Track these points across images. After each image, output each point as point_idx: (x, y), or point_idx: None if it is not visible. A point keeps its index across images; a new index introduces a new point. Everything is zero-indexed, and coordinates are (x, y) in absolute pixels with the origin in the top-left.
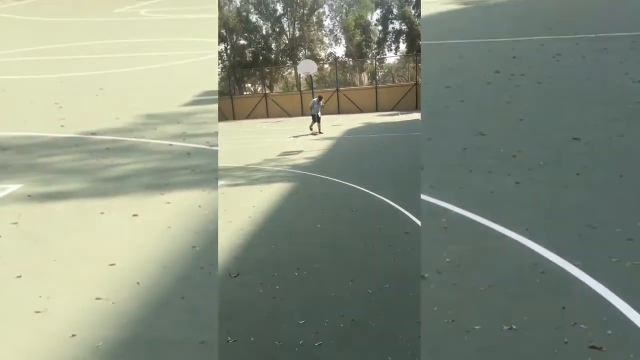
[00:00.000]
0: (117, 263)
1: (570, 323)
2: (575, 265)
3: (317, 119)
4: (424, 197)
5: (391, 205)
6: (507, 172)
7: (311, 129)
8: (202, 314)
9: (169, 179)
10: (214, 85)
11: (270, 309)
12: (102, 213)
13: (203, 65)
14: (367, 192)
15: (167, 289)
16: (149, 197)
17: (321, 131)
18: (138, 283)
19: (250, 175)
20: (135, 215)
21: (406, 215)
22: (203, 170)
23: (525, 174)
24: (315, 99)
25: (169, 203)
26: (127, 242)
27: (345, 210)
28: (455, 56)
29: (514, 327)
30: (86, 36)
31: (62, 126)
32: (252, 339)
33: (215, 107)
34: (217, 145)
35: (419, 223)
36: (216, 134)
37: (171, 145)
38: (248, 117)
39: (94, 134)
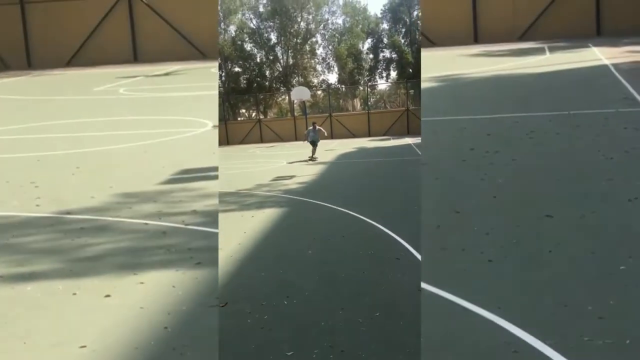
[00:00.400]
0: (87, 345)
1: None
2: (547, 344)
3: (315, 145)
4: None
5: (382, 231)
6: (480, 249)
7: (312, 158)
8: None
9: (143, 259)
10: (194, 163)
11: (259, 339)
12: (74, 293)
13: (181, 142)
14: (358, 217)
15: None
16: (122, 277)
17: (315, 156)
18: None
19: (242, 201)
20: (107, 296)
21: (397, 241)
22: (178, 250)
23: (498, 252)
24: (311, 127)
25: (142, 283)
26: (98, 323)
27: (337, 236)
28: (429, 132)
29: None
30: (64, 114)
31: (37, 205)
32: None
33: (195, 184)
34: (193, 224)
35: (410, 249)
36: (193, 212)
37: (146, 224)
38: (242, 142)
39: (68, 212)
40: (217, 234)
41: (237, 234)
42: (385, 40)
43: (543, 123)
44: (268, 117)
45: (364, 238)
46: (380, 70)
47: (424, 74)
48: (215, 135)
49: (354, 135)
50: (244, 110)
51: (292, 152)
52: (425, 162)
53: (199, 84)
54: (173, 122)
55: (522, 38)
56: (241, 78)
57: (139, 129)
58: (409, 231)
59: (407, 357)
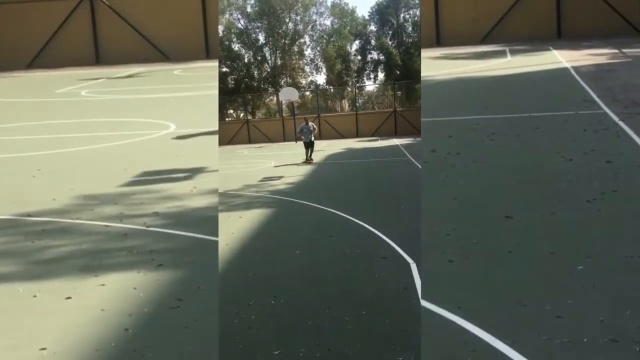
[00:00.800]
0: (48, 347)
1: None
2: (506, 343)
3: (309, 146)
4: None
5: (370, 230)
6: (441, 250)
7: (308, 159)
8: None
9: (104, 261)
10: (156, 165)
11: (246, 339)
12: (35, 296)
13: (143, 145)
14: (346, 217)
15: None
16: (83, 279)
17: (311, 157)
18: None
19: (229, 201)
20: (68, 298)
21: (384, 240)
22: (139, 252)
23: (458, 252)
24: (304, 123)
25: (103, 285)
26: (58, 326)
27: (324, 236)
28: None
29: None
30: (25, 116)
31: None
32: None
33: (157, 187)
34: (155, 226)
35: (397, 248)
36: (154, 214)
37: (107, 226)
38: (229, 143)
39: (29, 215)
40: (178, 235)
41: (224, 234)
42: (373, 42)
43: (504, 125)
44: (256, 117)
45: (351, 238)
46: (368, 71)
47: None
48: (170, 139)
49: (342, 136)
50: (231, 111)
51: (281, 152)
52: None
53: (161, 87)
54: (135, 124)
55: (484, 41)
56: (229, 78)
57: (101, 131)
58: (396, 231)
59: (392, 355)
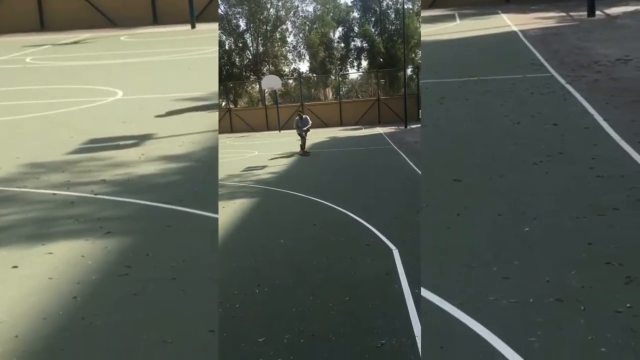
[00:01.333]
0: None
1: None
2: (454, 305)
3: (303, 139)
4: None
5: (353, 218)
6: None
7: (302, 152)
8: None
9: (51, 229)
10: (103, 132)
11: (230, 328)
12: None
13: (90, 112)
14: (330, 206)
15: (47, 341)
16: (30, 247)
17: (306, 150)
18: (16, 336)
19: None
20: (15, 267)
21: (367, 227)
22: (87, 219)
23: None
24: (297, 117)
25: (50, 253)
26: (6, 295)
27: (308, 225)
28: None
29: None
30: None
31: None
32: None
33: (105, 154)
34: (103, 194)
35: (380, 235)
36: (102, 181)
37: (54, 194)
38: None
39: None
40: (126, 203)
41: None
42: (356, 29)
43: (453, 89)
44: (238, 106)
45: (335, 226)
46: (351, 59)
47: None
48: (125, 106)
49: (326, 124)
50: None
51: (264, 142)
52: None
53: (108, 53)
54: (81, 91)
55: (433, 5)
56: None
57: (47, 98)
58: (379, 218)
59: (375, 338)
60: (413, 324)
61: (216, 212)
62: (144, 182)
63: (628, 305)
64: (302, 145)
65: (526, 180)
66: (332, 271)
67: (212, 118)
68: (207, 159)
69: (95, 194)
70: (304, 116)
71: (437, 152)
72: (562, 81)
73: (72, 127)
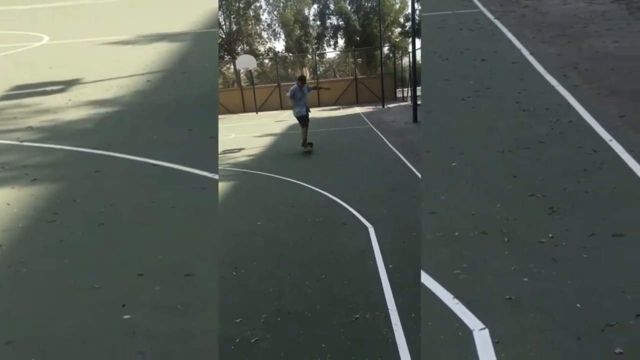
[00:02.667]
0: None
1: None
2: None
3: (305, 121)
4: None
5: (330, 198)
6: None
7: (305, 146)
8: (9, 313)
9: None
10: (29, 79)
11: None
12: None
13: (15, 58)
14: (307, 187)
15: None
16: None
17: (309, 144)
18: None
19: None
20: None
21: (344, 207)
22: (13, 167)
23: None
24: (295, 85)
25: None
26: None
27: (286, 206)
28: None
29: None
30: None
31: None
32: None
33: (30, 100)
34: (29, 141)
35: (357, 214)
36: (28, 128)
37: None
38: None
39: None
40: (53, 149)
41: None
42: (331, 6)
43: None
44: None
45: (312, 207)
46: (327, 37)
47: None
48: (53, 52)
49: None
50: None
51: (240, 124)
52: None
53: None
54: (5, 37)
55: None
56: None
57: None
58: (356, 198)
59: (350, 313)
60: (386, 298)
61: (147, 156)
62: (71, 128)
63: (550, 235)
64: (304, 137)
65: (454, 116)
66: (309, 251)
67: (141, 59)
68: (137, 103)
69: (21, 141)
70: (305, 85)
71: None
72: (491, 17)
73: None
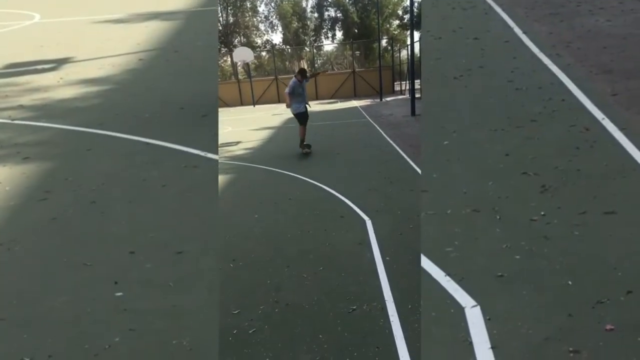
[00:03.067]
0: None
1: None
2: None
3: (304, 119)
4: None
5: (328, 191)
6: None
7: (303, 148)
8: (1, 290)
9: None
10: (20, 57)
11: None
12: None
13: (6, 36)
14: (306, 180)
15: None
16: None
17: (306, 145)
18: None
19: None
20: None
21: (342, 201)
22: (4, 145)
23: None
24: (294, 79)
25: None
26: None
27: (284, 199)
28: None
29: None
30: None
31: None
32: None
33: (22, 79)
34: (20, 119)
35: (354, 207)
36: (19, 107)
37: None
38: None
39: None
40: (45, 127)
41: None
42: None
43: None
44: None
45: (310, 199)
46: (325, 30)
47: None
48: (45, 30)
49: None
50: None
51: (238, 117)
52: None
53: None
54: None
55: None
56: None
57: None
58: (353, 191)
59: (347, 304)
60: (383, 290)
61: (139, 134)
62: (63, 106)
63: (542, 213)
64: (302, 137)
65: (446, 95)
66: (307, 243)
67: (131, 38)
68: (129, 81)
69: (13, 120)
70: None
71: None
72: None
73: None
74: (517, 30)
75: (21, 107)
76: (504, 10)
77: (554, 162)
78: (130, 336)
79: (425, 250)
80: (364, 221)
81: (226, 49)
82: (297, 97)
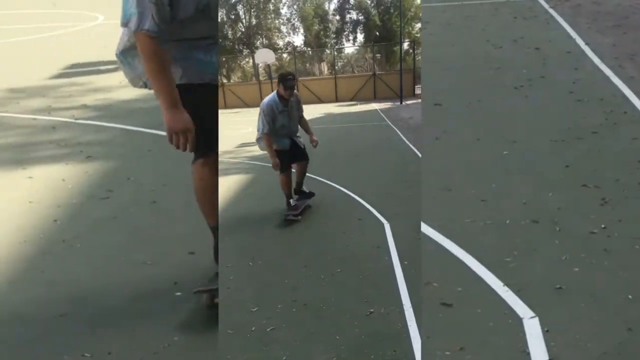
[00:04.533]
0: None
1: (424, 282)
2: (431, 226)
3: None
4: None
5: (346, 194)
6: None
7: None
8: (62, 286)
9: (32, 153)
10: (83, 57)
11: (224, 299)
12: None
13: (71, 37)
14: (324, 182)
15: (27, 263)
16: (10, 172)
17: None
18: None
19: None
20: None
21: (360, 203)
22: (68, 144)
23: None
24: (272, 96)
25: (30, 177)
26: None
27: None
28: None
29: None
30: None
31: None
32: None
33: (85, 79)
34: (83, 119)
35: (372, 210)
36: (83, 106)
37: (35, 119)
38: None
39: None
40: (107, 127)
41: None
42: (351, 0)
43: (436, 15)
44: (232, 81)
45: (328, 201)
46: (347, 32)
47: None
48: (106, 32)
49: (320, 100)
50: None
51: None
52: None
53: None
54: (62, 16)
55: None
56: None
57: (27, 22)
58: (371, 193)
59: (363, 306)
60: (401, 294)
61: None
62: (125, 107)
63: (602, 226)
64: (297, 180)
65: (506, 105)
66: (325, 245)
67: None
68: None
69: (76, 119)
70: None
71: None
72: (546, 5)
73: (53, 52)
74: (580, 41)
75: (84, 106)
76: (566, 20)
77: (614, 174)
78: (189, 333)
79: (483, 259)
80: (382, 224)
81: (248, 51)
82: (280, 127)
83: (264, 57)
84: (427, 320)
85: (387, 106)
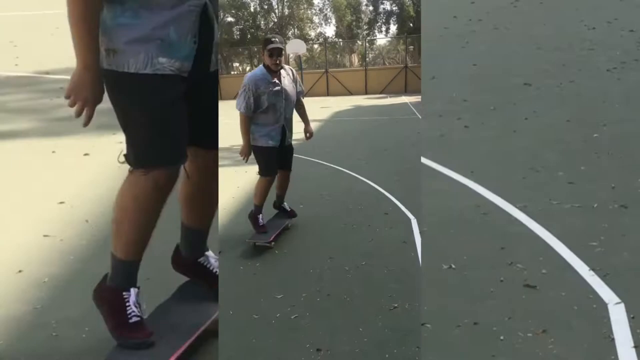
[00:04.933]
0: (66, 201)
1: (507, 262)
2: (517, 207)
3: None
4: None
5: (373, 187)
6: (457, 115)
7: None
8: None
9: None
10: None
11: (250, 284)
12: (53, 152)
13: None
14: (351, 174)
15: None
16: (101, 136)
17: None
18: (86, 220)
19: (235, 156)
20: (86, 154)
21: (387, 197)
22: None
23: (474, 118)
24: (259, 69)
25: (120, 142)
26: (76, 181)
27: (329, 192)
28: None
29: (453, 266)
30: None
31: (16, 65)
32: (231, 312)
33: None
34: None
35: (399, 204)
36: None
37: None
38: (235, 97)
39: (47, 72)
40: None
41: (230, 188)
42: None
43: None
44: None
45: (355, 194)
46: (380, 23)
47: None
48: None
49: (350, 92)
50: (237, 64)
51: None
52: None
53: None
54: None
55: None
56: (234, 29)
57: None
58: (399, 188)
59: (388, 300)
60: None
61: None
62: None
63: None
64: (281, 194)
65: (598, 87)
66: (350, 237)
67: None
68: None
69: None
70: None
71: (508, 55)
72: None
73: None
74: None
75: None
76: None
77: None
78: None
79: (569, 243)
80: (409, 219)
81: None
82: (265, 114)
83: (295, 47)
84: (508, 302)
85: (418, 99)
